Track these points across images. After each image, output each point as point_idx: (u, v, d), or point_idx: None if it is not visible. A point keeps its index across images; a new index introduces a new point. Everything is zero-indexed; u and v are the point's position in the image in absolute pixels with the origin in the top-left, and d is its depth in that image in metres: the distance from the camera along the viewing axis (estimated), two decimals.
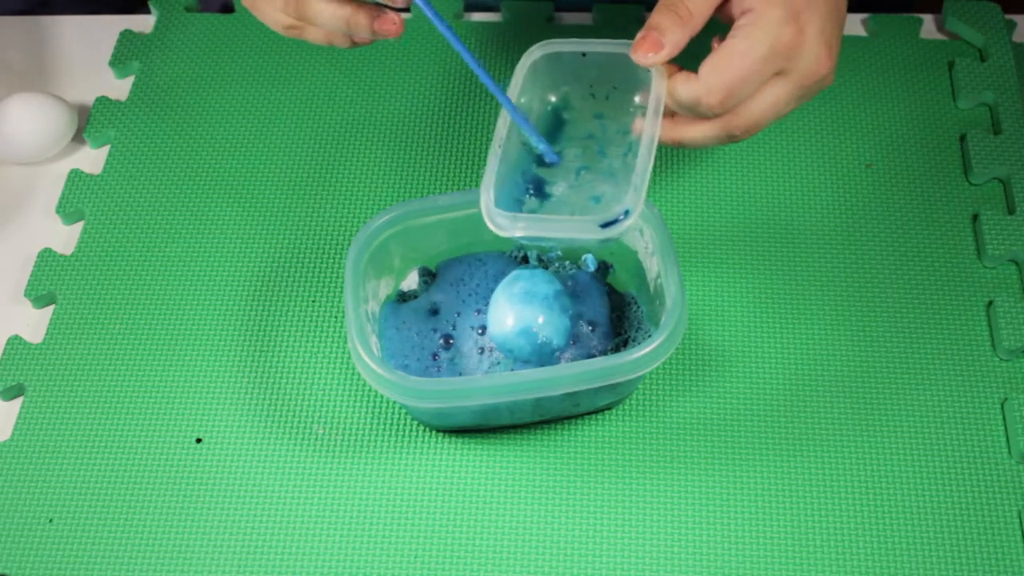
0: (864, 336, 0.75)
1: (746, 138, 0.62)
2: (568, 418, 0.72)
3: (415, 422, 0.72)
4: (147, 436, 0.72)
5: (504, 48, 0.88)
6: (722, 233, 0.79)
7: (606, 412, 0.72)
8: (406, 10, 0.64)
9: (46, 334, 0.76)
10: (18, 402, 0.74)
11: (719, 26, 0.62)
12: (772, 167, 0.82)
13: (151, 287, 0.78)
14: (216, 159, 0.84)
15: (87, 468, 0.71)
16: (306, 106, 0.86)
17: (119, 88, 0.88)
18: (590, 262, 0.73)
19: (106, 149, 0.85)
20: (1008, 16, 0.88)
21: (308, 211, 0.81)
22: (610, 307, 0.73)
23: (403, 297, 0.74)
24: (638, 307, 0.72)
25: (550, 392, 0.64)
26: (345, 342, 0.75)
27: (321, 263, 0.79)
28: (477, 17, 0.91)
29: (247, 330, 0.76)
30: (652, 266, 0.69)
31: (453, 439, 0.71)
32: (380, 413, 0.72)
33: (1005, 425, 0.71)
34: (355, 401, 0.73)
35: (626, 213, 0.60)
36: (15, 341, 0.75)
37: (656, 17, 0.60)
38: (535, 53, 0.66)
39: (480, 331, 0.71)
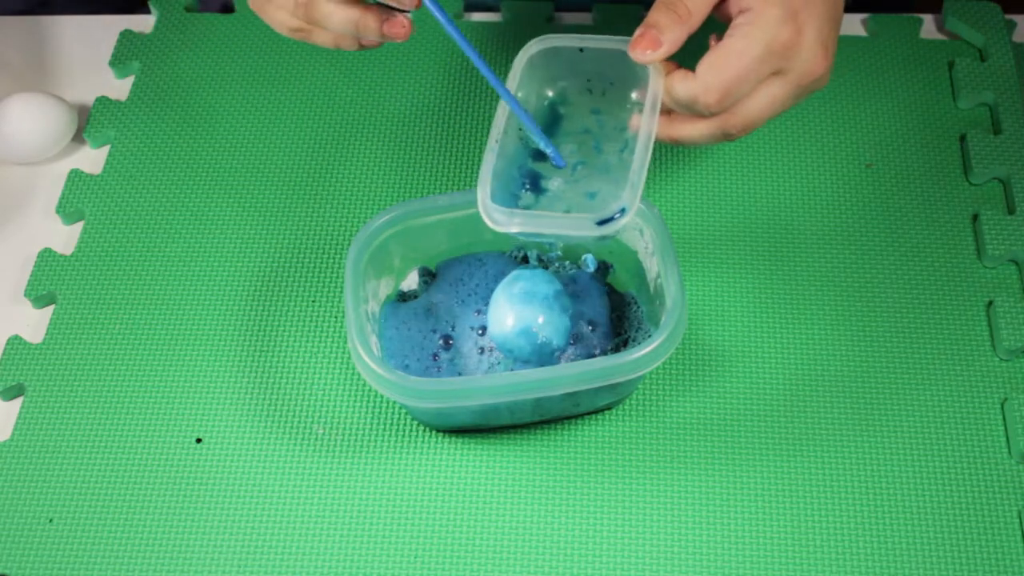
0: (864, 336, 0.74)
1: (742, 136, 0.63)
2: (568, 418, 0.72)
3: (415, 422, 0.72)
4: (147, 436, 0.72)
5: (504, 48, 0.88)
6: (722, 233, 0.79)
7: (606, 412, 0.72)
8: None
9: (46, 334, 0.76)
10: (18, 402, 0.74)
11: (717, 24, 0.62)
12: (772, 167, 0.82)
13: (151, 287, 0.78)
14: (216, 159, 0.84)
15: (87, 468, 0.71)
16: (306, 106, 0.86)
17: (119, 88, 0.88)
18: (590, 262, 0.73)
19: (106, 149, 0.85)
20: (1008, 16, 0.88)
21: (308, 211, 0.81)
22: (610, 307, 0.73)
23: (403, 297, 0.74)
24: (638, 307, 0.72)
25: (550, 392, 0.64)
26: (345, 342, 0.75)
27: (321, 263, 0.79)
28: (477, 17, 0.91)
29: (247, 330, 0.76)
30: (652, 266, 0.69)
31: (453, 439, 0.71)
32: (380, 413, 0.72)
33: (1005, 425, 0.71)
34: (355, 401, 0.73)
35: (622, 211, 0.60)
36: (15, 341, 0.75)
37: (654, 15, 0.60)
38: (533, 48, 0.66)
39: (480, 331, 0.71)
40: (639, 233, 0.70)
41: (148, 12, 0.93)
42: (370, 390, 0.73)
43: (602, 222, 0.60)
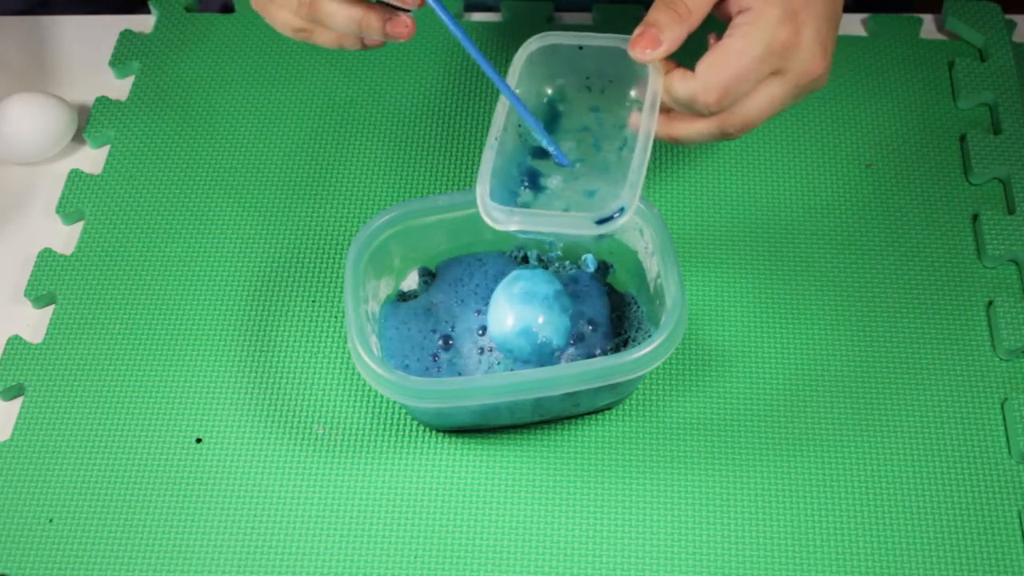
0: (864, 336, 0.74)
1: (740, 135, 0.63)
2: (568, 418, 0.72)
3: (415, 422, 0.72)
4: (147, 436, 0.72)
5: (504, 48, 0.88)
6: (722, 233, 0.79)
7: (606, 412, 0.72)
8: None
9: (46, 334, 0.76)
10: (18, 402, 0.74)
11: (716, 23, 0.62)
12: (772, 167, 0.82)
13: (151, 287, 0.78)
14: (216, 159, 0.84)
15: (87, 468, 0.71)
16: (306, 106, 0.86)
17: (119, 88, 0.88)
18: (590, 262, 0.73)
19: (106, 149, 0.85)
20: (1008, 16, 0.88)
21: (308, 211, 0.81)
22: (610, 307, 0.73)
23: (403, 297, 0.74)
24: (638, 307, 0.72)
25: (550, 392, 0.64)
26: (345, 342, 0.75)
27: (321, 263, 0.79)
28: (477, 17, 0.91)
29: (247, 330, 0.76)
30: (652, 266, 0.69)
31: (453, 439, 0.71)
32: (380, 413, 0.72)
33: (1005, 425, 0.71)
34: (355, 401, 0.73)
35: (621, 210, 0.60)
36: (15, 341, 0.75)
37: (654, 13, 0.60)
38: (532, 45, 0.66)
39: (480, 331, 0.71)
40: (639, 233, 0.70)
41: (148, 12, 0.93)
42: (370, 390, 0.73)
43: (601, 221, 0.60)
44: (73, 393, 0.73)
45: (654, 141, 0.61)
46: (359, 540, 0.68)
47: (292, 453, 0.71)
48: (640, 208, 0.67)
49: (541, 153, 0.65)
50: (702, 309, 0.76)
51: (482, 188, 0.62)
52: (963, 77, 0.85)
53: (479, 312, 0.72)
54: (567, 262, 0.74)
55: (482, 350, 0.71)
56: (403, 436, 0.71)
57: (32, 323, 0.77)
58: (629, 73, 0.65)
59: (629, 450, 0.71)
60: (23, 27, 0.92)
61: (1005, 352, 0.73)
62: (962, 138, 0.83)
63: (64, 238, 0.81)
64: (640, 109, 0.62)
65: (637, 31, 0.61)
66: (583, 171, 0.65)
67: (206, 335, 0.76)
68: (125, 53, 0.89)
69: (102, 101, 0.86)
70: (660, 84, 0.61)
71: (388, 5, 0.63)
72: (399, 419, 0.72)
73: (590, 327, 0.71)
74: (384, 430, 0.72)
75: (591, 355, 0.70)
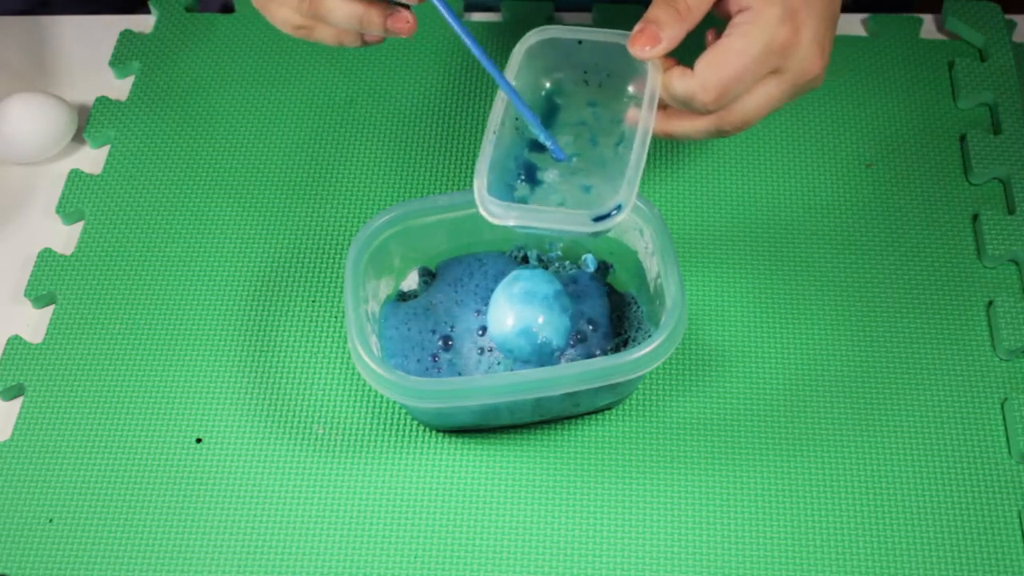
0: (864, 336, 0.74)
1: (736, 133, 0.63)
2: (568, 418, 0.72)
3: (415, 422, 0.72)
4: (147, 436, 0.72)
5: (504, 48, 0.88)
6: (722, 233, 0.79)
7: (606, 412, 0.72)
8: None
9: (46, 334, 0.76)
10: (18, 402, 0.74)
11: (715, 20, 0.62)
12: (772, 167, 0.82)
13: (151, 287, 0.78)
14: (216, 159, 0.84)
15: (87, 468, 0.71)
16: (306, 106, 0.86)
17: (119, 88, 0.88)
18: (590, 262, 0.73)
19: (106, 149, 0.85)
20: (1008, 16, 0.88)
21: (308, 211, 0.81)
22: (610, 307, 0.73)
23: (403, 297, 0.74)
24: (638, 307, 0.72)
25: (550, 392, 0.64)
26: (345, 342, 0.75)
27: (321, 263, 0.79)
28: (477, 17, 0.91)
29: (247, 330, 0.76)
30: (652, 266, 0.69)
31: (453, 439, 0.71)
32: (380, 413, 0.72)
33: (1005, 425, 0.71)
34: (355, 401, 0.73)
35: (619, 207, 0.60)
36: (15, 341, 0.75)
37: (654, 11, 0.60)
38: (531, 38, 0.66)
39: (480, 331, 0.71)
40: (639, 233, 0.70)
41: (148, 12, 0.93)
42: (370, 390, 0.73)
43: (598, 218, 0.60)
44: (73, 393, 0.73)
45: (651, 138, 0.61)
46: (359, 540, 0.68)
47: (292, 453, 0.71)
48: (640, 208, 0.67)
49: (538, 146, 0.65)
50: (702, 309, 0.76)
51: (479, 182, 0.61)
52: (963, 77, 0.85)
53: (479, 312, 0.72)
54: (567, 262, 0.74)
55: (482, 350, 0.71)
56: (403, 436, 0.71)
57: (32, 323, 0.77)
58: (627, 68, 0.65)
59: (629, 450, 0.71)
60: (23, 27, 0.92)
61: (1005, 352, 0.73)
62: (962, 138, 0.83)
63: (64, 238, 0.81)
64: (637, 105, 0.62)
65: (637, 28, 0.61)
66: (580, 166, 0.65)
67: (206, 335, 0.76)
68: (125, 53, 0.89)
69: (102, 101, 0.86)
70: (659, 81, 0.61)
71: (389, 1, 0.63)
72: (399, 419, 0.72)
73: (590, 327, 0.71)
74: (384, 430, 0.72)
75: (591, 355, 0.70)
